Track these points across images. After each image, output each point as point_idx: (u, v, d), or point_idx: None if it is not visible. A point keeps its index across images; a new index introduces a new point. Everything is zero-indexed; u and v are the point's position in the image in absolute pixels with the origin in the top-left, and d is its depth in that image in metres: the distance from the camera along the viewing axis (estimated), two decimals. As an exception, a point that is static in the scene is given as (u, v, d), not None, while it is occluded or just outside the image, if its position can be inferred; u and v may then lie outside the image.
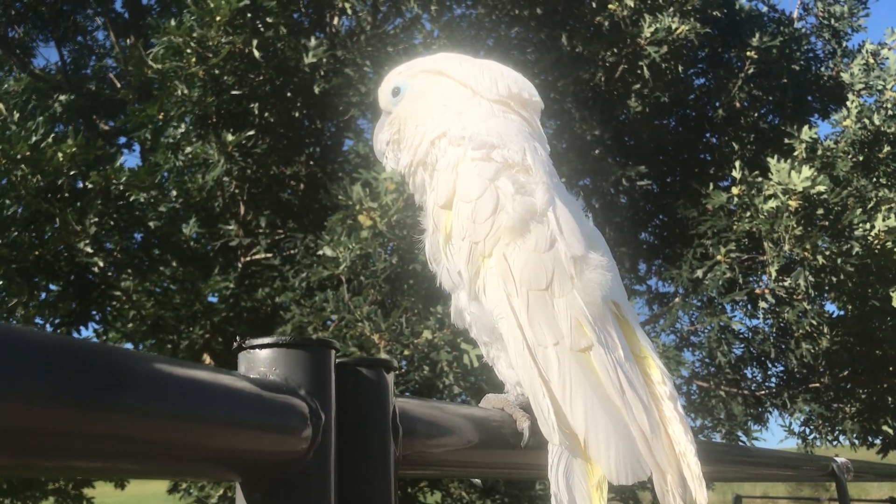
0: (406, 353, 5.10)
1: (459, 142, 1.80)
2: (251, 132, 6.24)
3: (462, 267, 1.72)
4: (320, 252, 5.54)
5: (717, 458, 2.27)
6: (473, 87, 1.92)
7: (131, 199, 6.50)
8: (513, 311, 1.60)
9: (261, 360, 0.95)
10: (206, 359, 9.17)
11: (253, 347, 0.96)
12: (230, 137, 6.09)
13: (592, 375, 1.52)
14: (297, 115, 6.80)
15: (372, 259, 5.29)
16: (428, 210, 1.86)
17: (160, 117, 6.49)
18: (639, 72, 8.00)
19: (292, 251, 7.55)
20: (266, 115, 6.53)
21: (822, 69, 10.03)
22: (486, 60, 2.03)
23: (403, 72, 2.03)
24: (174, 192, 7.41)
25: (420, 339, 5.09)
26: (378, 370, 1.09)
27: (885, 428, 7.68)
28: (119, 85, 10.21)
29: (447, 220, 1.76)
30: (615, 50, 7.97)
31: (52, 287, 6.91)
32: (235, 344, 0.99)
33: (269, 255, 7.75)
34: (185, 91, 6.08)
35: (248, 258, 7.87)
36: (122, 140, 11.18)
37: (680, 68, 7.89)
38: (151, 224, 7.01)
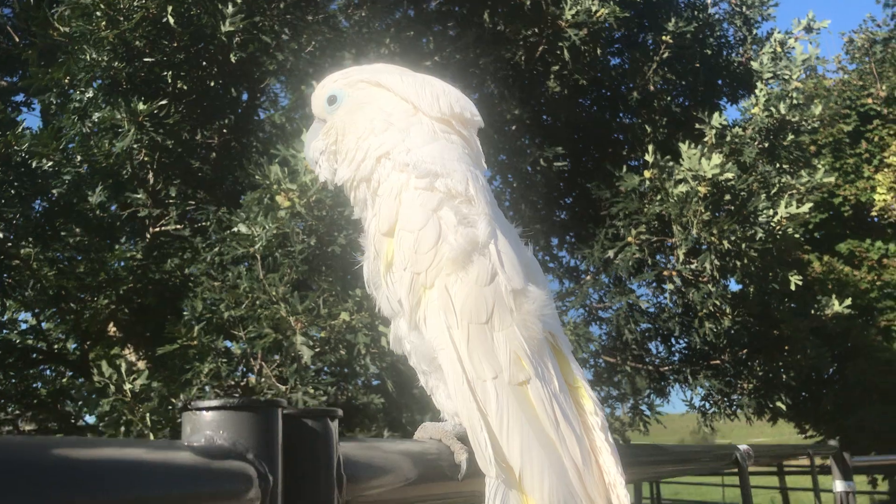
0: (323, 334, 5.05)
1: (403, 168, 1.78)
2: (164, 101, 6.01)
3: (403, 296, 1.71)
4: (235, 229, 5.41)
5: (632, 461, 2.34)
6: (415, 104, 1.90)
7: (34, 165, 6.19)
8: (453, 344, 1.60)
9: (206, 423, 0.92)
10: (112, 329, 8.90)
11: (199, 409, 0.92)
12: (141, 106, 5.85)
13: (529, 409, 1.54)
14: (211, 83, 6.57)
15: (289, 239, 5.20)
16: (369, 234, 1.84)
17: (66, 81, 6.17)
18: (558, 52, 8.06)
19: (204, 223, 7.36)
20: (179, 83, 6.29)
21: (733, 55, 10.32)
22: (426, 76, 2.00)
23: (339, 80, 1.99)
24: (79, 158, 7.10)
25: (337, 320, 5.06)
26: (323, 420, 1.07)
27: (778, 404, 8.08)
28: (17, 39, 9.66)
29: (389, 248, 1.75)
30: (536, 30, 7.99)
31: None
32: (181, 404, 0.95)
33: (180, 226, 7.53)
34: (94, 56, 5.80)
35: (157, 228, 7.64)
36: (20, 98, 10.64)
37: (598, 51, 7.97)
38: (55, 192, 6.71)
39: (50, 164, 6.65)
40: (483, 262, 1.67)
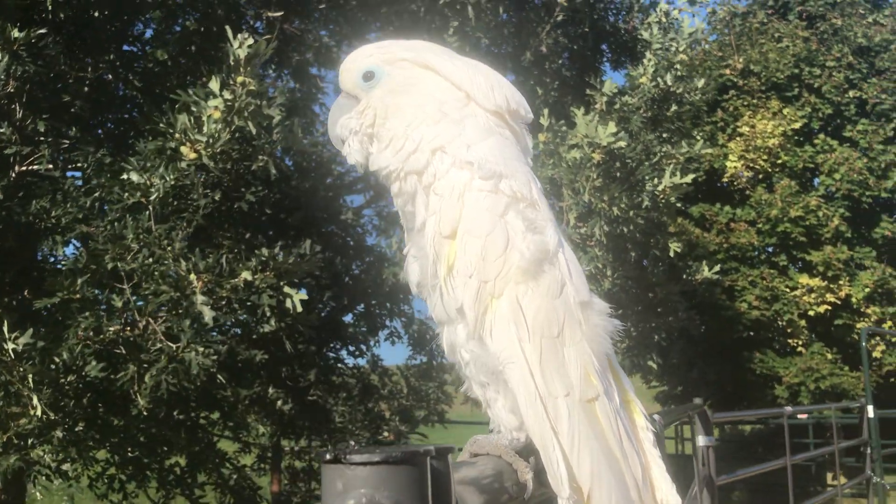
0: (223, 294, 4.81)
1: (465, 166, 1.67)
2: (42, 30, 5.45)
3: (467, 305, 1.62)
4: (126, 176, 5.02)
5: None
6: (469, 92, 1.78)
7: None
8: (525, 359, 1.55)
9: (363, 480, 0.80)
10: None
11: (356, 464, 0.81)
12: (17, 33, 5.29)
13: (598, 427, 1.54)
14: (95, 13, 6.03)
15: (192, 192, 4.89)
16: (427, 234, 1.70)
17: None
18: (458, 7, 7.94)
19: (79, 165, 6.82)
20: (59, 12, 5.73)
21: (620, 22, 10.54)
22: (475, 61, 1.89)
23: (376, 54, 1.84)
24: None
25: (238, 279, 4.82)
26: (445, 459, 0.98)
27: (650, 363, 8.48)
28: None
29: (451, 252, 1.64)
30: (437, -18, 7.83)
31: None
32: (330, 455, 0.83)
33: (51, 166, 6.94)
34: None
35: (24, 167, 7.00)
36: None
37: (500, 9, 7.92)
38: None
39: None
40: (553, 273, 1.62)
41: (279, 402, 7.18)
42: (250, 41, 4.62)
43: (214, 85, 4.50)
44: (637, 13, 10.39)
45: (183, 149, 4.45)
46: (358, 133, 1.83)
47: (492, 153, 1.71)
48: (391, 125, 1.78)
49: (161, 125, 4.49)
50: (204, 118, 4.56)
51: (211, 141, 4.42)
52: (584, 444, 1.50)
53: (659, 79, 8.64)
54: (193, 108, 4.74)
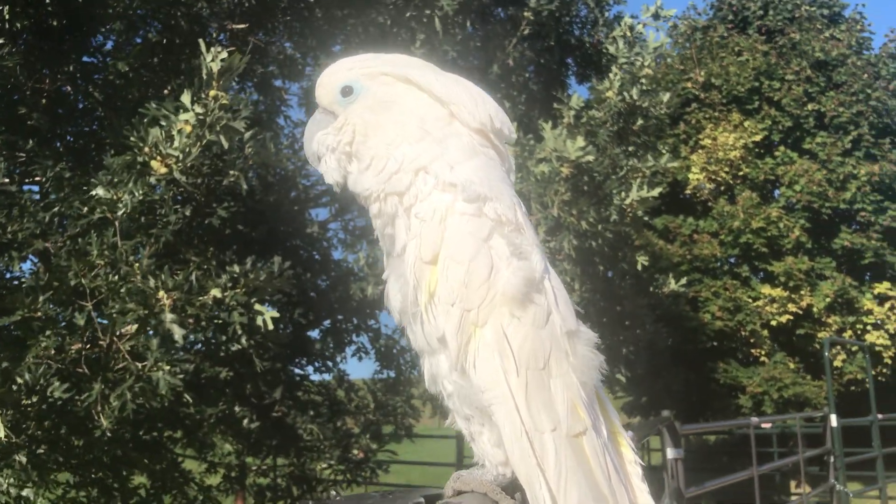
0: (191, 311, 4.71)
1: (448, 188, 1.62)
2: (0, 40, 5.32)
3: (449, 334, 1.55)
4: (94, 192, 4.90)
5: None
6: (452, 109, 1.73)
7: None
8: (510, 392, 1.50)
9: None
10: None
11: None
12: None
13: (585, 463, 1.49)
14: (54, 23, 5.90)
15: (160, 208, 4.78)
16: (407, 259, 1.63)
17: None
18: (425, 20, 7.92)
19: (37, 178, 6.66)
20: (16, 22, 5.60)
21: (585, 36, 10.60)
22: (458, 77, 1.85)
23: (357, 69, 1.77)
24: None
25: (207, 296, 4.73)
26: None
27: (618, 376, 8.50)
28: None
29: (432, 278, 1.57)
30: (406, -6, 7.80)
31: None
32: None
33: (7, 180, 6.77)
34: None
35: (-20, 182, 6.82)
36: None
37: (468, 23, 7.91)
38: None
39: None
40: (540, 301, 1.56)
41: (245, 421, 7.05)
42: (224, 55, 4.54)
43: (186, 98, 4.41)
44: (602, 27, 10.47)
45: (153, 163, 4.34)
46: (335, 151, 1.76)
47: (476, 174, 1.66)
48: (371, 143, 1.73)
49: (132, 139, 4.38)
50: (174, 132, 4.46)
51: (182, 156, 4.33)
52: (572, 480, 1.45)
53: (625, 93, 8.70)
54: (163, 122, 4.64)
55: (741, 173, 21.56)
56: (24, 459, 4.42)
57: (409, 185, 1.67)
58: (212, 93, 4.39)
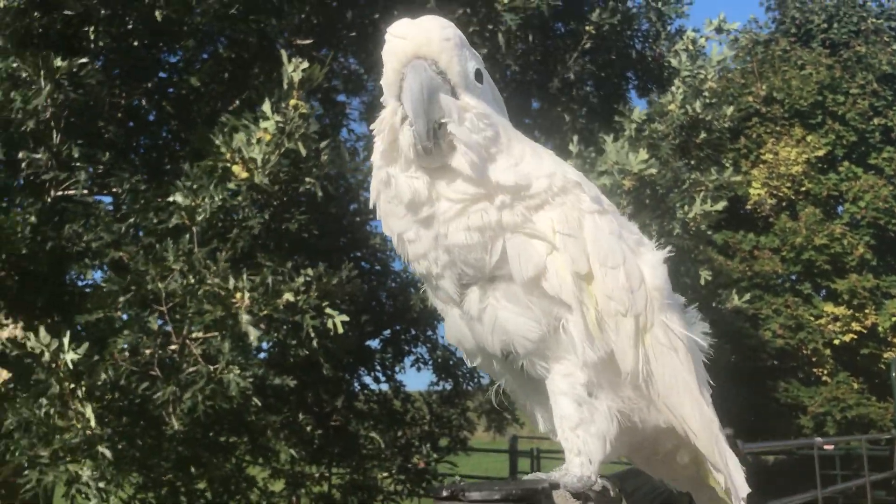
0: (264, 313, 4.84)
1: (574, 186, 1.57)
2: (84, 59, 5.56)
3: (627, 347, 1.49)
4: (170, 198, 5.09)
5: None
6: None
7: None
8: (690, 384, 1.62)
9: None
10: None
11: (474, 501, 0.81)
12: (59, 62, 5.39)
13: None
14: (135, 42, 6.14)
15: (238, 213, 4.94)
16: (552, 280, 1.48)
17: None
18: (487, 34, 8.00)
19: (115, 190, 6.91)
20: (100, 41, 5.84)
21: (647, 49, 10.57)
22: None
23: (476, 55, 1.62)
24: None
25: (281, 299, 4.86)
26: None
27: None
28: None
29: (590, 292, 1.48)
30: (468, 10, 7.89)
31: None
32: (446, 492, 0.83)
33: (86, 191, 7.03)
34: (6, 3, 5.29)
35: (59, 192, 7.10)
36: None
37: (530, 37, 7.98)
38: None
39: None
40: (669, 285, 1.63)
41: (308, 428, 7.18)
42: (304, 65, 4.69)
43: (267, 107, 4.57)
44: (664, 41, 10.43)
45: (235, 168, 4.50)
46: (475, 130, 1.53)
47: (572, 169, 1.67)
48: (515, 147, 1.60)
49: (217, 142, 4.55)
50: (254, 140, 4.63)
51: (262, 161, 4.48)
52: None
53: (688, 106, 8.65)
54: (242, 131, 4.81)
55: (803, 189, 21.15)
56: (107, 452, 4.59)
57: (548, 187, 1.55)
58: (292, 102, 4.54)
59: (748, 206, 21.51)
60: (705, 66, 8.96)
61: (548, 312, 1.50)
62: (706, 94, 8.87)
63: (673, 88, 8.79)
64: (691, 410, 1.57)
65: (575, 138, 7.85)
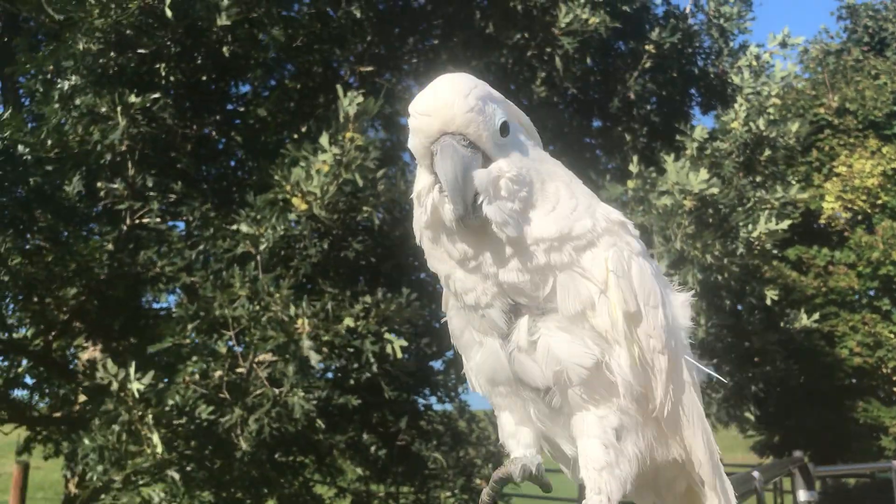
0: (326, 338, 4.99)
1: (618, 227, 1.61)
2: (157, 95, 5.84)
3: (659, 385, 1.56)
4: (235, 227, 5.30)
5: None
6: None
7: (15, 153, 5.97)
8: (699, 418, 1.67)
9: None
10: (78, 325, 8.65)
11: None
12: (134, 99, 5.68)
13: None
14: (203, 77, 6.42)
15: (299, 241, 5.12)
16: (601, 317, 1.54)
17: (51, 69, 5.96)
18: (546, 58, 8.08)
19: (186, 218, 7.20)
20: (171, 76, 6.13)
21: (710, 66, 10.49)
22: None
23: (499, 102, 1.60)
24: (49, 142, 6.85)
25: (341, 325, 5.00)
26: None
27: (746, 414, 8.28)
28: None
29: (635, 330, 1.54)
30: (526, 35, 7.99)
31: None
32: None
33: (159, 219, 7.34)
34: (85, 45, 5.61)
35: (134, 221, 7.44)
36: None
37: (588, 59, 8.02)
38: (33, 180, 6.48)
39: (27, 149, 6.42)
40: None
41: (372, 448, 7.30)
42: (359, 99, 4.84)
43: (324, 140, 4.74)
44: (726, 57, 10.34)
45: (294, 200, 4.68)
46: (513, 195, 1.54)
47: (614, 210, 1.68)
48: (550, 189, 1.59)
49: (276, 177, 4.74)
50: (313, 172, 4.79)
51: (320, 193, 4.65)
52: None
53: (751, 123, 8.56)
54: (302, 163, 4.98)
55: (879, 201, 20.51)
56: (176, 475, 4.80)
57: (592, 227, 1.57)
58: (348, 134, 4.69)
59: (822, 221, 20.96)
60: (769, 82, 8.85)
61: (598, 346, 1.57)
62: (770, 110, 8.75)
63: (736, 106, 8.70)
64: (701, 441, 1.65)
65: (635, 158, 7.85)
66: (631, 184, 7.89)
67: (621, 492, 1.56)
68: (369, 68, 8.93)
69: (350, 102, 4.60)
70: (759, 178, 8.84)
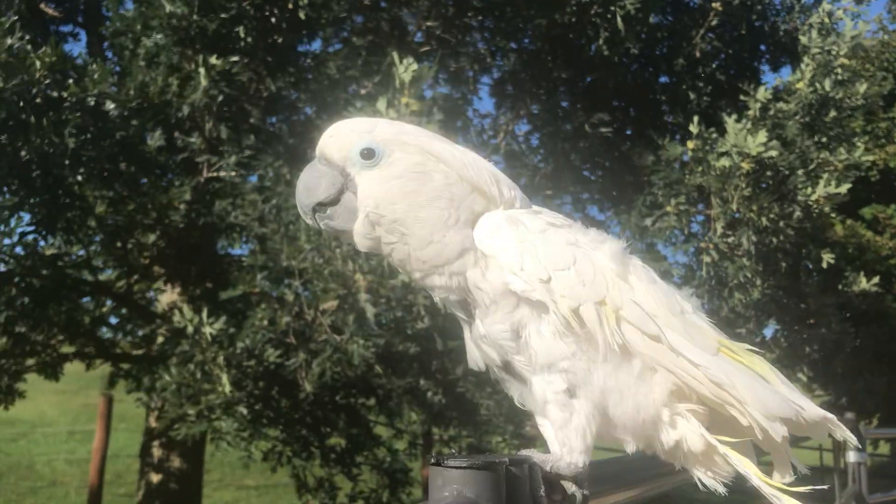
0: (383, 291, 5.34)
1: (514, 222, 1.76)
2: (236, 58, 6.19)
3: (598, 331, 1.70)
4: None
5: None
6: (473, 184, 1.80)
7: (104, 108, 6.42)
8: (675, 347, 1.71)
9: (455, 478, 1.18)
10: (158, 270, 9.22)
11: (450, 467, 1.18)
12: (215, 61, 6.04)
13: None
14: (279, 39, 6.74)
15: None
16: (518, 281, 1.72)
17: (138, 28, 6.37)
18: (609, 16, 8.12)
19: (259, 172, 7.60)
20: (248, 38, 6.47)
21: (779, 22, 10.32)
22: (470, 151, 1.87)
23: (377, 131, 1.78)
24: (132, 95, 7.27)
25: (396, 280, 5.33)
26: (521, 467, 1.34)
27: (799, 375, 8.37)
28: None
29: (553, 295, 1.72)
30: (591, -6, 8.04)
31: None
32: (433, 460, 1.21)
33: (234, 172, 7.76)
34: (171, 8, 5.98)
35: (210, 173, 7.89)
36: (69, 28, 10.76)
37: (650, 18, 8.04)
38: (118, 134, 6.94)
39: (113, 105, 6.87)
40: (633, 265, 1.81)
41: (429, 394, 7.69)
42: (414, 66, 5.08)
43: (381, 104, 5.01)
44: (798, 13, 10.15)
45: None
46: (377, 220, 1.75)
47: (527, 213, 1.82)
48: (423, 215, 1.75)
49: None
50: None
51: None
52: (748, 383, 1.67)
53: (817, 84, 8.45)
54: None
55: (964, 161, 19.77)
56: (244, 411, 5.27)
57: (475, 261, 1.75)
58: (403, 100, 4.95)
59: (901, 179, 20.33)
60: (838, 42, 8.69)
61: (517, 318, 1.74)
62: (839, 71, 8.61)
63: (802, 66, 8.59)
64: (688, 345, 1.70)
65: (695, 118, 7.88)
66: (690, 144, 7.95)
67: (584, 443, 1.71)
68: (435, 23, 9.12)
69: (406, 69, 4.84)
70: (824, 139, 8.75)
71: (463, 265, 1.74)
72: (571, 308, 1.66)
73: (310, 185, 1.80)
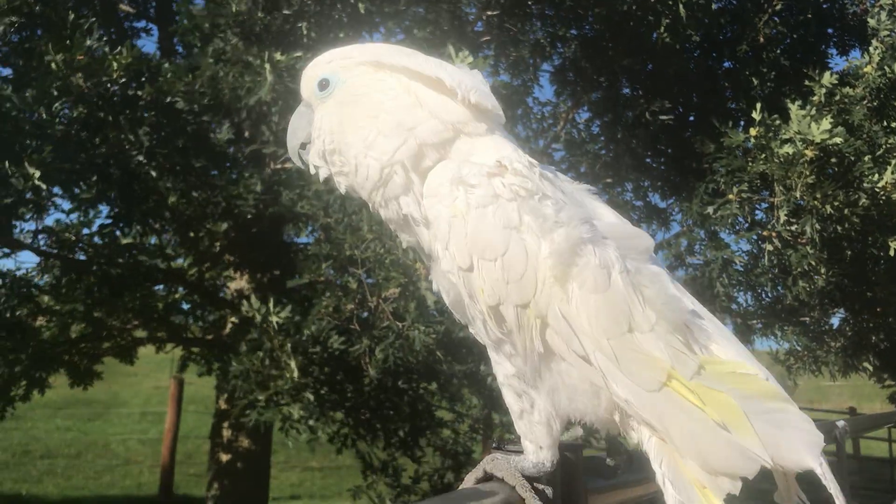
0: (443, 281, 5.49)
1: (457, 183, 1.57)
2: (299, 53, 6.38)
3: (521, 334, 1.52)
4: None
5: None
6: (446, 82, 1.66)
7: (176, 105, 6.70)
8: (599, 366, 1.47)
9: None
10: (228, 258, 9.55)
11: (510, 451, 1.30)
12: (279, 57, 6.25)
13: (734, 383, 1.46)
14: (341, 34, 6.91)
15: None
16: (445, 267, 1.58)
17: (206, 26, 6.62)
18: (671, 3, 8.07)
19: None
20: (311, 33, 6.67)
21: (848, 4, 10.09)
22: (439, 60, 1.75)
23: (335, 60, 1.74)
24: (202, 91, 7.53)
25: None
26: (577, 452, 1.45)
27: (865, 364, 8.25)
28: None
29: (475, 284, 1.54)
30: (651, -21, 8.01)
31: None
32: (495, 444, 1.33)
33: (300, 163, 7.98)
34: (237, 6, 6.21)
35: (278, 165, 8.14)
36: (142, 24, 11.14)
37: (712, 5, 7.97)
38: (189, 129, 7.22)
39: (185, 103, 7.15)
40: (591, 262, 1.49)
41: (489, 379, 7.83)
42: (470, 59, 5.19)
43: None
44: (868, -5, 9.91)
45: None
46: (320, 151, 1.71)
47: (470, 147, 1.63)
48: (350, 141, 1.66)
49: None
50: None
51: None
52: (694, 428, 1.41)
53: (886, 67, 8.27)
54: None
55: None
56: (311, 396, 5.49)
57: (406, 185, 1.61)
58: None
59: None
60: (908, 24, 8.48)
61: (451, 290, 1.62)
62: (909, 54, 8.40)
63: (870, 49, 8.41)
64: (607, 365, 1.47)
65: (758, 105, 7.80)
66: (753, 131, 7.87)
67: (549, 435, 1.57)
68: (495, 13, 9.19)
69: (462, 61, 4.96)
70: (893, 124, 8.56)
71: (394, 189, 1.62)
72: (489, 305, 1.49)
73: (293, 128, 1.81)
